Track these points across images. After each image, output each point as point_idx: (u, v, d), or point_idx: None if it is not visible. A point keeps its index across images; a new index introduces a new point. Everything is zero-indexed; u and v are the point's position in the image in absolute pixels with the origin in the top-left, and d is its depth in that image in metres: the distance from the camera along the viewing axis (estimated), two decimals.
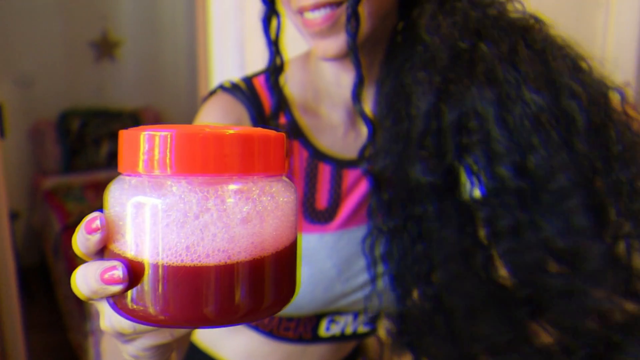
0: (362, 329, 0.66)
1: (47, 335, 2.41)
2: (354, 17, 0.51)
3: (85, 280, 0.30)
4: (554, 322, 0.55)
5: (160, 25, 3.39)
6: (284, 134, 0.31)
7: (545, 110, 0.50)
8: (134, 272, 0.28)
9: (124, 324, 0.32)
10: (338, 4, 0.52)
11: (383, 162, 0.56)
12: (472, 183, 0.55)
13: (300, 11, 0.53)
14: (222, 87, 0.62)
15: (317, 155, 0.60)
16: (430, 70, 0.53)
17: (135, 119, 3.18)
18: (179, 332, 0.35)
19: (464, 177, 0.55)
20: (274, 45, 0.59)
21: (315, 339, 0.64)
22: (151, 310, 0.28)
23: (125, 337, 0.34)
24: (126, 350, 0.36)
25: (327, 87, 0.62)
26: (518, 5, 0.56)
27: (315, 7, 0.52)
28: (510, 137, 0.51)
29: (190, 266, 0.27)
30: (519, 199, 0.52)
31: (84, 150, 3.09)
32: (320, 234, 0.59)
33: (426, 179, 0.54)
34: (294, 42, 0.65)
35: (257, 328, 0.64)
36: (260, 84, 0.61)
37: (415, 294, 0.59)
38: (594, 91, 0.52)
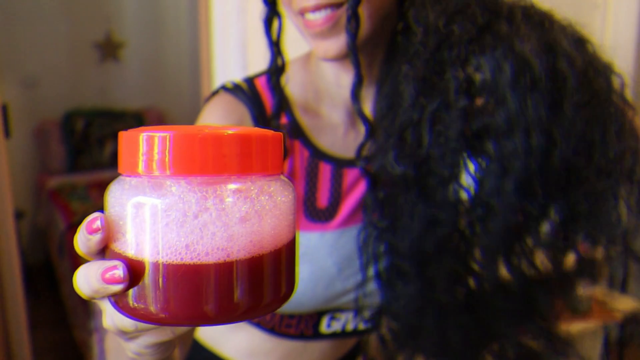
0: (362, 326, 0.66)
1: (52, 333, 2.43)
2: (354, 18, 0.51)
3: (87, 279, 0.30)
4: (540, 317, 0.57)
5: (163, 26, 3.40)
6: (281, 133, 0.31)
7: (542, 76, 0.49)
8: (134, 272, 0.28)
9: (126, 323, 0.32)
10: (338, 5, 0.52)
11: (380, 161, 0.57)
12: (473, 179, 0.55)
13: (301, 12, 0.53)
14: (224, 88, 0.62)
15: (317, 155, 0.61)
16: (414, 62, 0.53)
17: (138, 119, 3.19)
18: (181, 329, 0.35)
19: (463, 176, 0.56)
20: (275, 46, 0.59)
21: (316, 335, 0.65)
22: (152, 308, 0.28)
23: (127, 335, 0.35)
24: (129, 348, 0.37)
25: (327, 87, 0.62)
26: None
27: (316, 9, 0.52)
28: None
29: (189, 264, 0.27)
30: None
31: (88, 150, 3.10)
32: (320, 232, 0.60)
33: (399, 169, 0.54)
34: (295, 43, 0.65)
35: (259, 325, 0.64)
36: (261, 84, 0.62)
37: (404, 291, 0.59)
38: (595, 66, 0.51)
